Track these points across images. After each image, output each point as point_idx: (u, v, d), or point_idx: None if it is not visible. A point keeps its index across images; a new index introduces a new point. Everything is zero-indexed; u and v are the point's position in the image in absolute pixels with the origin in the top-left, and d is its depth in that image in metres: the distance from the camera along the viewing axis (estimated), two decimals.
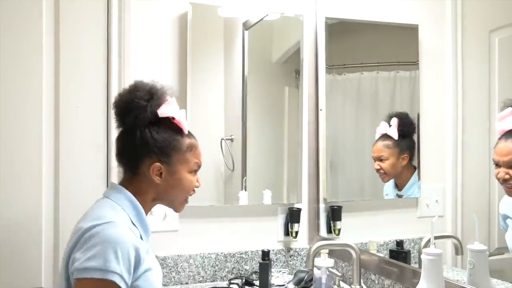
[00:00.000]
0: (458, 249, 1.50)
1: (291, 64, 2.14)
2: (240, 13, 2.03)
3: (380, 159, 1.83)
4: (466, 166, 1.55)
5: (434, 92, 1.72)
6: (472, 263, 1.28)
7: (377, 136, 1.84)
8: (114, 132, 1.34)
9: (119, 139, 1.30)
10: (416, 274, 1.46)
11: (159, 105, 1.25)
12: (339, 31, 2.13)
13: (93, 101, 1.82)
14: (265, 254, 1.90)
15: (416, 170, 1.74)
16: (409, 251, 1.67)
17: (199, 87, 1.94)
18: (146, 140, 1.23)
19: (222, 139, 2.00)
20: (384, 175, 1.83)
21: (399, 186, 1.81)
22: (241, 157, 2.02)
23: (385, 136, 1.81)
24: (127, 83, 1.83)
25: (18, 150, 1.73)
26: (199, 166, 1.33)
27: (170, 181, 1.27)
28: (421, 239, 1.57)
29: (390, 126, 1.78)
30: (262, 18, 2.05)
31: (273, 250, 2.01)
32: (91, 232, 1.10)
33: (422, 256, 1.23)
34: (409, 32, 1.80)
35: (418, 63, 1.76)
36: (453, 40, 1.61)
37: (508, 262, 1.35)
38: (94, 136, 1.82)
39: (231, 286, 1.86)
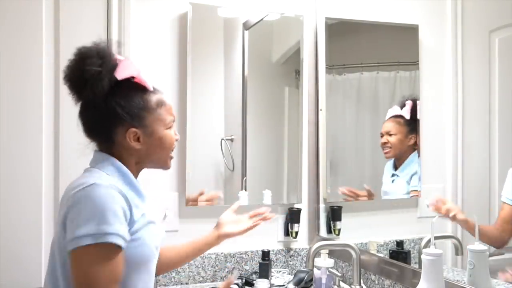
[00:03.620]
0: (458, 250, 1.50)
1: (291, 64, 2.14)
2: (240, 13, 2.03)
3: (389, 134, 1.83)
4: (466, 166, 1.55)
5: (434, 92, 1.72)
6: (472, 264, 1.28)
7: (388, 116, 1.84)
8: None
9: (82, 114, 1.20)
10: (416, 275, 1.46)
11: (114, 68, 1.15)
12: (339, 31, 2.13)
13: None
14: (265, 254, 1.91)
15: (416, 152, 1.75)
16: (409, 251, 1.67)
17: (199, 87, 1.94)
18: (113, 109, 1.15)
19: (222, 139, 2.00)
20: (389, 149, 1.83)
21: (396, 166, 1.82)
22: (241, 157, 2.02)
23: (397, 116, 1.81)
24: None
25: (18, 151, 1.73)
26: (173, 120, 1.26)
27: (151, 142, 1.20)
28: (421, 239, 1.57)
29: (403, 107, 1.79)
30: (262, 18, 2.05)
31: (273, 250, 2.01)
32: (74, 199, 1.06)
33: (422, 257, 1.23)
34: (409, 32, 1.80)
35: (418, 63, 1.76)
36: (453, 40, 1.61)
37: (509, 262, 1.35)
38: None
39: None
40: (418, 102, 1.76)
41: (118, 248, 1.06)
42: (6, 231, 1.71)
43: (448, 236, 1.54)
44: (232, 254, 1.97)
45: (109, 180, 1.11)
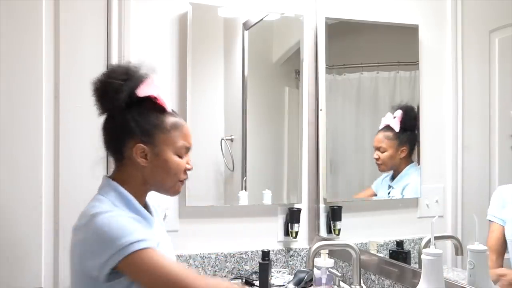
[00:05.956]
0: (458, 249, 1.50)
1: (291, 64, 2.14)
2: (240, 13, 2.03)
3: (379, 150, 1.85)
4: (466, 166, 1.55)
5: (434, 92, 1.72)
6: (472, 263, 1.28)
7: (381, 126, 1.85)
8: None
9: (103, 126, 1.25)
10: (416, 275, 1.46)
11: (137, 85, 1.18)
12: (339, 31, 2.13)
13: (93, 101, 1.82)
14: (265, 254, 1.90)
15: (413, 164, 1.76)
16: (409, 251, 1.67)
17: (199, 87, 1.94)
18: (126, 122, 1.18)
19: (222, 139, 2.00)
20: (381, 165, 1.86)
21: (394, 177, 1.83)
22: (241, 157, 2.02)
23: (388, 127, 1.82)
24: None
25: (18, 151, 1.73)
26: (187, 148, 1.26)
27: (156, 163, 1.20)
28: (421, 239, 1.57)
29: (394, 117, 1.79)
30: (262, 18, 2.05)
31: (273, 250, 2.01)
32: (80, 236, 1.13)
33: (422, 257, 1.23)
34: (409, 32, 1.80)
35: (418, 63, 1.76)
36: (453, 40, 1.61)
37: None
38: (94, 136, 1.80)
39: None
40: (410, 109, 1.76)
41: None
42: (6, 231, 1.71)
43: (448, 236, 1.54)
44: (232, 254, 1.97)
45: (110, 206, 1.16)
